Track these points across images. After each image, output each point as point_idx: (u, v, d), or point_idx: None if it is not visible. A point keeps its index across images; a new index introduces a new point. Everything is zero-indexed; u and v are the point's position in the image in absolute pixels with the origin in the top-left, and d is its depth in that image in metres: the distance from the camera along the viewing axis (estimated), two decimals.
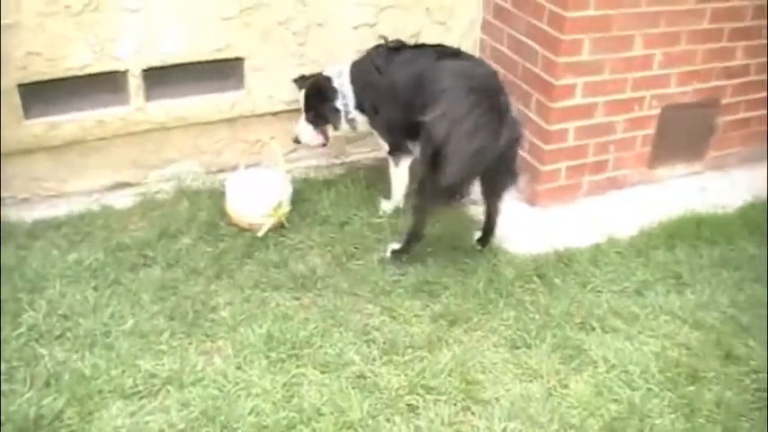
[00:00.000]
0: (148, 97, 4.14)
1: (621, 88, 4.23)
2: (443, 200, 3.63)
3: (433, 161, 3.41)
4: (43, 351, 3.14)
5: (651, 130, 4.51)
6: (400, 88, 3.76)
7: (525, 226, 4.20)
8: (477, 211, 4.07)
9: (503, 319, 3.47)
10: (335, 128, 4.14)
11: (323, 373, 3.11)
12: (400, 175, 4.09)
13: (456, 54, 3.82)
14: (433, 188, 3.52)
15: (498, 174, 3.59)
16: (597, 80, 4.13)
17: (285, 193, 4.00)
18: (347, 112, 4.05)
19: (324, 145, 4.27)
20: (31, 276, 3.56)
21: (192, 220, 4.03)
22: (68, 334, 3.24)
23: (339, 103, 4.01)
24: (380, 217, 4.12)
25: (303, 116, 4.14)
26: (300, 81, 4.20)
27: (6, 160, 4.03)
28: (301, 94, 4.10)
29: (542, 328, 3.42)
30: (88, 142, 4.15)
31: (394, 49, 3.91)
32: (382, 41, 4.02)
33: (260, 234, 3.89)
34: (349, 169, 4.65)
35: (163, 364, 3.12)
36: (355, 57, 4.08)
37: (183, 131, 4.31)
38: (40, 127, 4.01)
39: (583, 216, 4.32)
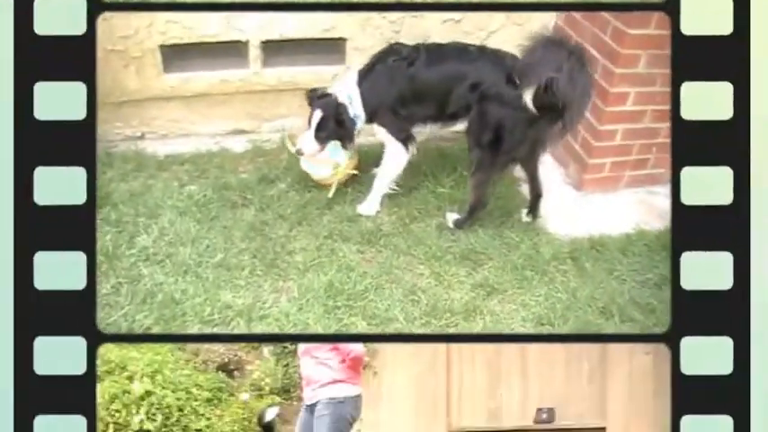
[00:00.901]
0: (265, 64, 3.71)
1: (668, 100, 3.50)
2: (505, 165, 3.22)
3: (493, 137, 3.01)
4: (146, 272, 2.85)
5: None
6: (432, 93, 3.12)
7: (568, 208, 3.59)
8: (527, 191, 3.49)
9: (534, 295, 2.92)
10: (345, 148, 3.32)
11: (369, 325, 2.69)
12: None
13: (482, 48, 3.17)
14: (495, 158, 3.09)
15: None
16: (648, 91, 3.44)
17: (341, 154, 3.37)
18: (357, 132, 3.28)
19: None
20: (151, 204, 3.27)
21: (290, 169, 3.59)
22: (168, 260, 2.92)
23: (356, 129, 3.22)
24: (443, 187, 3.55)
25: (312, 132, 3.17)
26: (313, 95, 3.26)
27: (150, 104, 3.75)
28: (315, 114, 3.17)
29: (567, 309, 2.85)
30: (214, 96, 3.78)
31: (410, 64, 3.09)
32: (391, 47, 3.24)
33: (329, 195, 3.38)
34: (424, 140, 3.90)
35: (239, 297, 2.78)
36: (353, 74, 3.23)
37: (292, 94, 3.83)
38: (176, 80, 3.68)
39: (620, 206, 3.68)
